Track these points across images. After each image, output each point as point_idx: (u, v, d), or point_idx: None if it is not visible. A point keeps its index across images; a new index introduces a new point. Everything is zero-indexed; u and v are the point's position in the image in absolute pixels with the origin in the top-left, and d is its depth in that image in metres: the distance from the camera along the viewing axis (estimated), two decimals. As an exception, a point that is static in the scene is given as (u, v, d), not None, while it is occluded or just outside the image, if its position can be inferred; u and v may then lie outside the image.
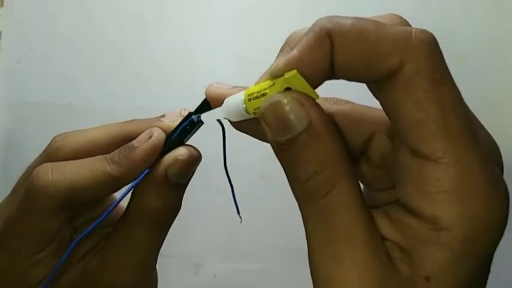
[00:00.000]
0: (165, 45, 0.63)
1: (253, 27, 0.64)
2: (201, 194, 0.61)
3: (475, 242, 0.18)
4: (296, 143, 0.19)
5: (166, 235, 0.29)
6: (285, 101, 0.19)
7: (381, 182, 0.23)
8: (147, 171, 0.27)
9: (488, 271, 0.20)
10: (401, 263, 0.19)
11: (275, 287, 0.62)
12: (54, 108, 0.61)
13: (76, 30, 0.63)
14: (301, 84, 0.20)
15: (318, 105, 0.20)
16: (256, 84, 0.22)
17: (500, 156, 0.21)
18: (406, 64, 0.18)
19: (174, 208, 0.28)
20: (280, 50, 0.22)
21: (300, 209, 0.21)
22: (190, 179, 0.29)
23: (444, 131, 0.18)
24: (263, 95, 0.21)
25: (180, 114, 0.28)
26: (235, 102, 0.22)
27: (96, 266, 0.28)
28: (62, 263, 0.27)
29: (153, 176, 0.27)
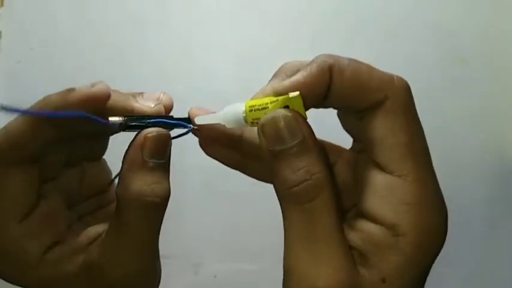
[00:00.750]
0: (165, 46, 0.63)
1: (253, 27, 0.64)
2: (201, 194, 0.61)
3: (424, 249, 0.22)
4: (290, 153, 0.23)
5: (160, 222, 0.28)
6: (287, 116, 0.23)
7: (341, 205, 0.27)
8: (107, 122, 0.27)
9: (426, 278, 0.23)
10: (361, 267, 0.22)
11: (275, 287, 0.62)
12: (54, 108, 0.61)
13: (76, 30, 0.63)
14: (298, 105, 0.23)
15: (309, 124, 0.23)
16: (253, 98, 0.25)
17: None
18: (388, 99, 0.23)
19: (161, 190, 0.27)
20: (274, 75, 0.25)
21: (282, 209, 0.23)
22: (168, 159, 0.28)
23: (410, 155, 0.22)
24: (264, 108, 0.24)
25: (158, 98, 0.29)
26: (235, 111, 0.25)
27: (97, 256, 0.27)
28: (25, 112, 0.27)
29: (129, 159, 0.27)
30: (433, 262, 0.23)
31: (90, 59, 0.63)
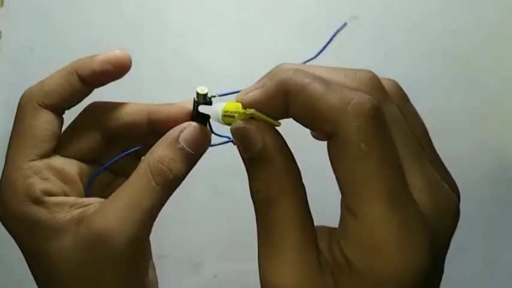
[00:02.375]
0: (164, 46, 0.63)
1: (254, 27, 0.64)
2: (201, 194, 0.61)
3: (378, 286, 0.21)
4: (252, 161, 0.24)
5: (163, 199, 0.29)
6: (246, 127, 0.24)
7: None
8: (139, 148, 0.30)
9: None
10: (329, 279, 0.22)
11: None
12: (54, 108, 0.61)
13: (76, 31, 0.63)
14: (261, 116, 0.24)
15: (274, 132, 0.24)
16: (236, 100, 0.25)
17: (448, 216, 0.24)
18: (338, 132, 0.21)
19: (176, 168, 0.29)
20: (264, 76, 0.25)
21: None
22: (196, 157, 0.30)
23: (364, 194, 0.21)
24: (233, 116, 0.25)
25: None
26: (217, 110, 0.26)
27: (92, 211, 0.28)
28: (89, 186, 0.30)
29: (168, 133, 0.29)
30: None
31: (90, 59, 0.63)
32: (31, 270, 0.30)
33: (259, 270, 0.24)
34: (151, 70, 0.63)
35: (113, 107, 0.32)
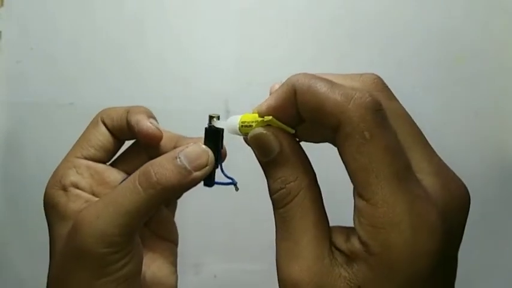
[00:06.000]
0: (164, 45, 0.63)
1: (254, 27, 0.64)
2: (201, 194, 0.61)
3: (398, 267, 0.23)
4: (271, 164, 0.26)
5: (149, 206, 0.30)
6: (264, 133, 0.26)
7: None
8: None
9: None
10: (344, 271, 0.24)
11: (275, 287, 0.62)
12: (54, 108, 0.61)
13: (76, 30, 0.63)
14: (277, 123, 0.26)
15: (289, 136, 0.26)
16: (252, 112, 0.28)
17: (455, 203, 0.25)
18: (342, 123, 0.23)
19: (164, 178, 0.29)
20: (276, 90, 0.27)
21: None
22: (197, 177, 0.30)
23: (373, 178, 0.23)
24: (250, 126, 0.27)
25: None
26: (233, 123, 0.29)
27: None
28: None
29: (173, 150, 0.31)
30: (421, 277, 0.23)
31: (91, 58, 0.63)
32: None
33: (277, 265, 0.26)
34: (153, 69, 0.63)
35: None
